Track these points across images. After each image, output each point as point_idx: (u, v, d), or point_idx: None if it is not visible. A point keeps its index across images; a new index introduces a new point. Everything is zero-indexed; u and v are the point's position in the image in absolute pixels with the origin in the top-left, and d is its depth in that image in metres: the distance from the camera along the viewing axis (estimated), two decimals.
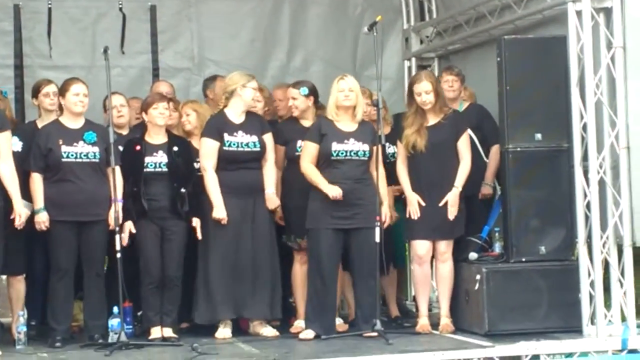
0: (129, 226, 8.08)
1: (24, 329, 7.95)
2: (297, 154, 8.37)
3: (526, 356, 7.56)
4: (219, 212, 8.17)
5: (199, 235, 8.20)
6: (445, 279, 8.28)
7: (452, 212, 8.14)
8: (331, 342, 7.91)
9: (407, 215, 8.25)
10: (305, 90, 8.54)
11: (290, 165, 8.49)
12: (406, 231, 8.37)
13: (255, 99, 8.55)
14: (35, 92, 8.70)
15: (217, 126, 8.35)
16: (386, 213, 8.19)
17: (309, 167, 8.18)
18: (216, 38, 10.49)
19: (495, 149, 8.64)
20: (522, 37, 8.46)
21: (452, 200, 8.15)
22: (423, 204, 8.15)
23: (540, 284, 8.04)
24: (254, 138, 8.33)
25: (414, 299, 8.77)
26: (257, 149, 8.33)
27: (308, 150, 8.20)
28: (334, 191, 8.04)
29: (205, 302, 8.23)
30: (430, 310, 8.53)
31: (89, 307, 8.11)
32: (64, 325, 8.02)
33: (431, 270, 8.48)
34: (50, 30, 10.10)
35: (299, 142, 8.37)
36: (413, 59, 10.73)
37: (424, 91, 8.22)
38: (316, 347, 7.79)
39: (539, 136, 8.15)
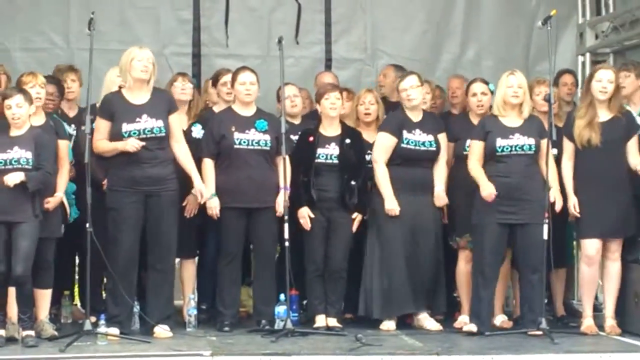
0: (307, 212, 8.18)
1: (195, 312, 8.15)
2: (464, 152, 8.32)
3: None
4: (390, 203, 8.19)
5: (354, 229, 8.25)
6: (613, 278, 8.12)
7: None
8: (495, 338, 7.87)
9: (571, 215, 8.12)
10: (493, 86, 8.45)
11: (457, 163, 8.45)
12: (577, 230, 8.23)
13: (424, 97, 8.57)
14: (215, 81, 8.92)
15: (397, 122, 8.38)
16: (555, 196, 8.00)
17: (475, 166, 8.11)
18: (389, 29, 10.53)
19: None
20: None
21: None
22: (577, 207, 8.00)
23: None
24: (430, 137, 8.34)
25: (580, 299, 8.64)
26: (433, 148, 8.35)
27: (474, 149, 8.15)
28: (486, 191, 7.96)
29: (380, 297, 8.22)
30: (595, 311, 8.38)
31: (259, 293, 8.24)
32: (231, 309, 8.17)
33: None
34: (228, 20, 10.30)
35: (468, 141, 8.30)
36: (587, 54, 10.55)
37: (607, 79, 8.05)
38: (479, 342, 7.76)
39: None
